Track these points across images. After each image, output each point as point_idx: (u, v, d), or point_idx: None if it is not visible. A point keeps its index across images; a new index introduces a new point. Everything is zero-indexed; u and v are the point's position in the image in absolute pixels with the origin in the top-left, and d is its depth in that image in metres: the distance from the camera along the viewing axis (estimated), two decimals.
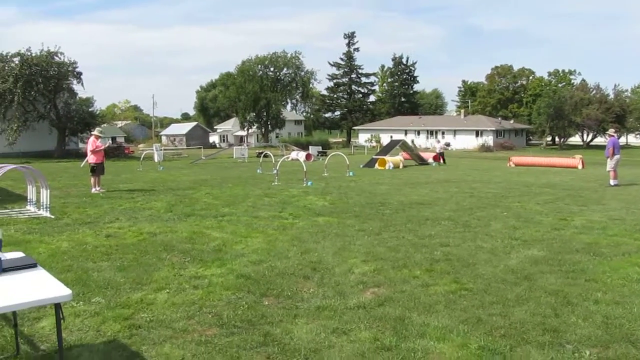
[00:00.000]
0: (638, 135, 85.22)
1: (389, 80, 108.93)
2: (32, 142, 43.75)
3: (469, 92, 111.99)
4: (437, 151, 36.28)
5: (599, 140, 78.06)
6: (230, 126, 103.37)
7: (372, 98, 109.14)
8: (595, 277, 6.72)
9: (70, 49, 62.57)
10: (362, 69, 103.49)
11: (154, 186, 18.74)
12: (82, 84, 48.30)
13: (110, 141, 74.76)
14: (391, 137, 59.46)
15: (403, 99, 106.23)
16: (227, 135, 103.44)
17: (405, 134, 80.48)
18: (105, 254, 8.09)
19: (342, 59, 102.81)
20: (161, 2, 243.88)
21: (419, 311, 5.57)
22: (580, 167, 32.33)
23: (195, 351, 4.62)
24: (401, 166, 30.74)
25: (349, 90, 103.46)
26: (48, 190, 12.32)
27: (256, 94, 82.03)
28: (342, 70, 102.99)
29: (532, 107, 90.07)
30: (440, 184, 19.66)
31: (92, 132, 17.91)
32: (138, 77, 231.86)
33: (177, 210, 12.57)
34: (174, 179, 22.28)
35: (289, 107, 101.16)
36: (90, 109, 48.76)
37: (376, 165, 31.00)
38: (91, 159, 16.92)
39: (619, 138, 19.38)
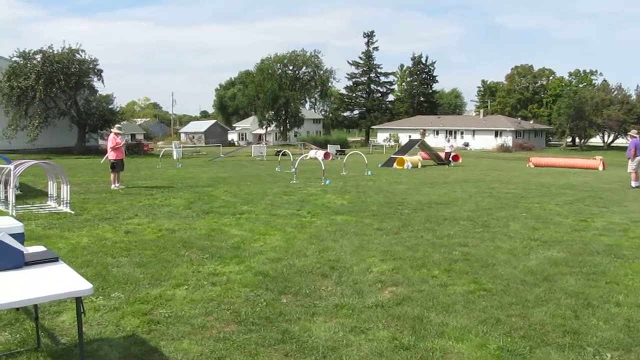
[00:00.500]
0: None
1: (408, 79, 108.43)
2: (52, 138, 44.22)
3: (488, 92, 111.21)
4: (446, 151, 34.84)
5: (620, 141, 77.16)
6: (249, 124, 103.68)
7: (390, 97, 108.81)
8: (616, 280, 6.65)
9: (91, 47, 63.57)
10: (381, 68, 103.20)
11: (173, 183, 18.84)
12: (103, 81, 48.74)
13: (128, 138, 75.22)
14: (410, 136, 59.13)
15: (422, 99, 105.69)
16: (245, 134, 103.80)
17: (427, 134, 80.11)
18: (125, 250, 8.14)
19: (361, 57, 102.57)
20: (180, 1, 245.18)
21: (437, 311, 5.55)
22: (601, 168, 32.01)
23: (213, 347, 4.64)
24: (420, 166, 30.62)
25: (367, 90, 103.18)
26: (68, 186, 12.44)
27: (275, 92, 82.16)
28: (361, 69, 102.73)
29: (552, 108, 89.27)
30: (458, 183, 19.55)
31: (112, 129, 18.03)
32: (158, 75, 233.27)
33: (196, 208, 12.62)
34: (192, 176, 22.38)
35: (307, 105, 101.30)
36: (110, 106, 49.14)
37: (394, 165, 30.91)
38: (111, 155, 17.04)
39: None
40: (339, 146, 55.76)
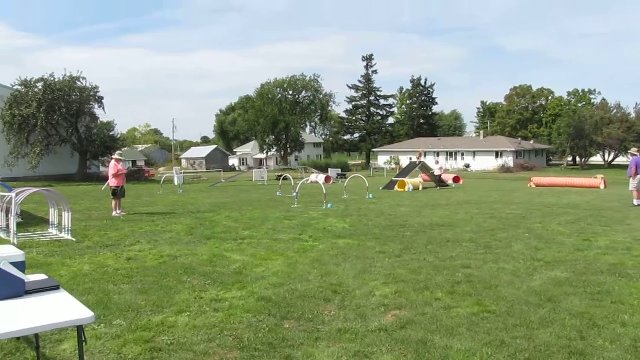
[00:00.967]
0: None
1: (408, 102, 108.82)
2: (54, 165, 44.33)
3: (488, 113, 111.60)
4: (435, 174, 32.55)
5: (621, 159, 77.20)
6: (249, 149, 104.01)
7: (391, 120, 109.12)
8: (621, 299, 6.60)
9: (92, 74, 64.10)
10: (381, 91, 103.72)
11: (174, 209, 18.84)
12: (104, 108, 49.03)
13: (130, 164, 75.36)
14: (410, 159, 59.23)
15: (422, 121, 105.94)
16: (246, 159, 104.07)
17: (425, 155, 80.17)
18: (127, 277, 8.11)
19: (360, 81, 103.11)
20: (180, 28, 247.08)
21: (441, 334, 5.50)
22: (602, 187, 31.99)
23: None
24: (421, 188, 30.61)
25: (367, 113, 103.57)
26: (70, 214, 12.43)
27: (275, 117, 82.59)
28: (361, 93, 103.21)
29: (552, 127, 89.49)
30: (460, 205, 19.53)
31: (113, 156, 18.08)
32: (158, 101, 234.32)
33: (198, 233, 12.60)
34: (194, 202, 22.39)
35: (308, 129, 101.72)
36: (111, 133, 49.37)
37: (396, 187, 30.91)
38: (112, 182, 17.07)
39: None
40: (340, 170, 55.89)
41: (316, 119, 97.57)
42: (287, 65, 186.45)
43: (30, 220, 15.42)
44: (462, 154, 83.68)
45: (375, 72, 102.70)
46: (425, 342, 5.26)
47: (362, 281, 7.76)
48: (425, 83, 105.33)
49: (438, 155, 70.69)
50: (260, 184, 40.82)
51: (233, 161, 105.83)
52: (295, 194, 21.07)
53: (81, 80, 45.71)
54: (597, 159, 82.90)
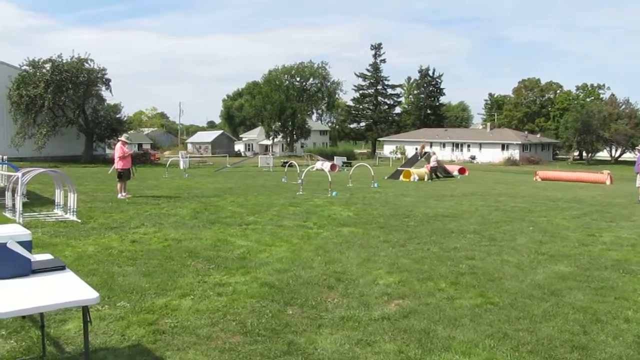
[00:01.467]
0: None
1: (415, 92, 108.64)
2: (60, 146, 44.40)
3: (495, 105, 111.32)
4: (430, 165, 31.54)
5: (628, 155, 77.01)
6: (255, 135, 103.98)
7: (397, 110, 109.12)
8: (625, 295, 6.59)
9: (99, 56, 64.00)
10: (388, 80, 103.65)
11: (179, 193, 18.87)
12: (111, 91, 49.04)
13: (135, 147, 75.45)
14: (416, 149, 59.09)
15: (429, 111, 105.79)
16: (252, 144, 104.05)
17: (431, 146, 79.98)
18: (131, 259, 8.14)
19: (368, 70, 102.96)
20: (189, 12, 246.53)
21: (444, 324, 5.51)
22: (608, 182, 31.89)
23: (218, 358, 4.62)
24: (426, 178, 30.56)
25: (374, 102, 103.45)
26: (75, 195, 12.45)
27: (282, 103, 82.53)
28: (368, 81, 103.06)
29: (559, 121, 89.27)
30: (465, 196, 19.50)
31: (120, 138, 18.07)
32: (165, 85, 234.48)
33: (202, 218, 12.63)
34: (199, 186, 22.40)
35: (314, 117, 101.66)
36: (117, 116, 49.35)
37: (401, 177, 30.89)
38: (118, 164, 17.07)
39: None
40: (345, 158, 55.85)
41: (323, 107, 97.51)
42: (294, 52, 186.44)
43: (35, 200, 15.47)
44: (468, 146, 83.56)
45: (383, 61, 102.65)
46: (427, 332, 5.27)
47: (365, 269, 7.77)
48: (433, 73, 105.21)
49: (431, 146, 70.59)
50: (265, 170, 40.83)
51: (239, 147, 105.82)
52: (300, 181, 21.06)
53: (89, 61, 45.63)
54: (603, 154, 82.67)
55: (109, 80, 47.21)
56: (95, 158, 46.55)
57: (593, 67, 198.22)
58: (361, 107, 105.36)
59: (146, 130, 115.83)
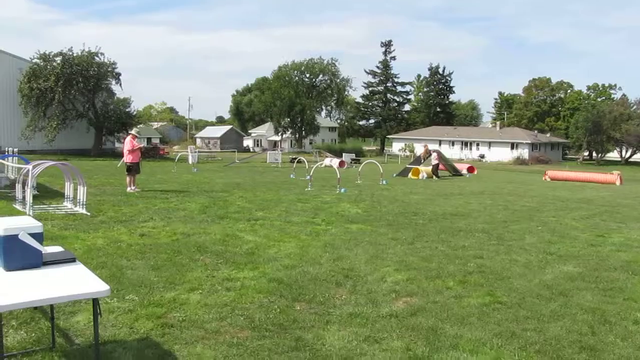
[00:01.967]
0: None
1: (425, 89, 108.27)
2: (70, 140, 44.55)
3: (505, 104, 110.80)
4: (432, 164, 31.03)
5: (638, 156, 76.57)
6: (264, 131, 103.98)
7: (407, 107, 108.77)
8: (634, 296, 6.57)
9: (109, 50, 64.11)
10: (398, 77, 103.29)
11: (188, 187, 18.92)
12: (121, 85, 49.11)
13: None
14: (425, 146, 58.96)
15: (438, 109, 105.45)
16: (261, 140, 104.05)
17: (440, 144, 79.76)
18: (140, 253, 8.18)
19: (378, 67, 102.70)
20: (200, 7, 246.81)
21: (451, 322, 5.51)
22: (618, 183, 31.73)
23: (227, 353, 4.64)
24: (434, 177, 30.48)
25: (384, 99, 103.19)
26: (85, 188, 12.51)
27: (291, 99, 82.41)
28: (378, 79, 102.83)
29: (569, 121, 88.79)
30: (474, 195, 19.46)
31: (130, 132, 18.12)
32: (175, 80, 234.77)
33: (211, 212, 12.66)
34: (207, 181, 22.45)
35: (323, 113, 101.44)
36: (127, 109, 49.41)
37: (409, 175, 30.84)
38: (128, 158, 17.13)
39: None
40: (354, 155, 55.68)
41: (332, 103, 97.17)
42: (304, 48, 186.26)
43: (45, 193, 15.55)
44: (478, 144, 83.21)
45: (393, 58, 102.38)
46: (435, 330, 5.27)
47: (373, 267, 7.78)
48: (443, 71, 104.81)
49: (440, 145, 70.39)
50: (274, 165, 40.84)
51: (247, 142, 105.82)
52: (309, 177, 21.08)
53: (99, 55, 45.77)
54: (613, 155, 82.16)
55: (119, 74, 47.34)
56: (105, 152, 46.70)
57: (605, 68, 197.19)
58: (370, 104, 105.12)
59: (155, 125, 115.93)
